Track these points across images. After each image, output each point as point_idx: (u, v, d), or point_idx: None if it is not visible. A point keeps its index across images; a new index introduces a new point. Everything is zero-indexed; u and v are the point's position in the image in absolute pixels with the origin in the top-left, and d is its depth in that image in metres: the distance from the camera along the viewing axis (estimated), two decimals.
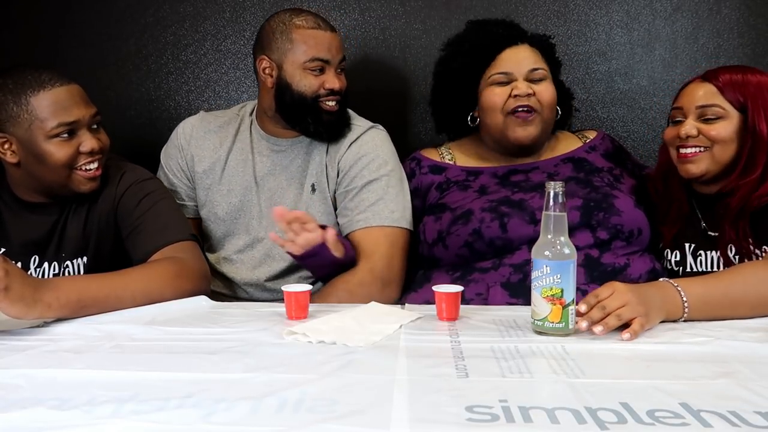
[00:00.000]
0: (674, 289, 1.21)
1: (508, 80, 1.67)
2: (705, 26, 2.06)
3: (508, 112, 1.66)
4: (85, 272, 1.55)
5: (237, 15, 2.17)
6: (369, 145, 1.73)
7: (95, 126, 1.50)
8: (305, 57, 1.67)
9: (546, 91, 1.67)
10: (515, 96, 1.64)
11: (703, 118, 1.49)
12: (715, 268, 1.50)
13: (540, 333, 1.16)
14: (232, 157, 1.78)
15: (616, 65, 2.10)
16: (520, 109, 1.65)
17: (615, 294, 1.15)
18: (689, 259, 1.53)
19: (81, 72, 2.09)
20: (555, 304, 1.14)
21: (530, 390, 0.92)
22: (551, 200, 1.16)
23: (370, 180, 1.68)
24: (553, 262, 1.14)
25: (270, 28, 1.72)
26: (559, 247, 1.15)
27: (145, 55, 2.19)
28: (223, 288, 1.75)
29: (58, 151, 1.44)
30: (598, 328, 1.13)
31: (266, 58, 1.71)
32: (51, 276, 1.53)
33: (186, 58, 2.19)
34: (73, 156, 1.46)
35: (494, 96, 1.67)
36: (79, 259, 1.55)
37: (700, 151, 1.48)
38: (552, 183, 1.16)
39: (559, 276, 1.14)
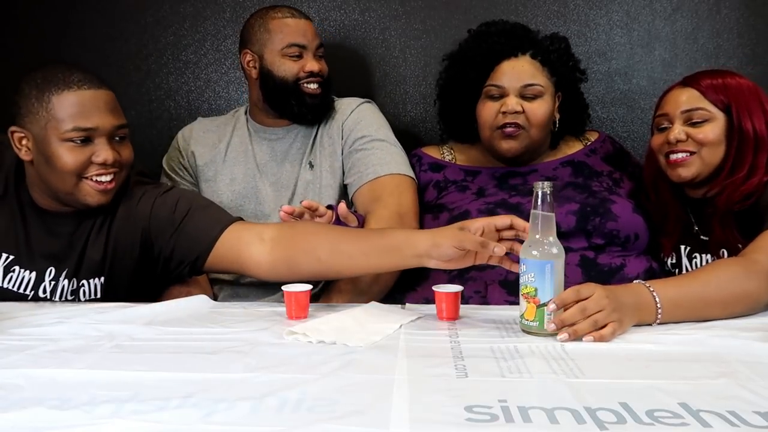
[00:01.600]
0: (648, 292, 1.19)
1: (501, 94, 1.66)
2: (705, 26, 2.06)
3: (496, 127, 1.66)
4: (101, 293, 1.49)
5: (237, 15, 2.17)
6: (367, 112, 1.84)
7: (119, 138, 1.43)
8: (282, 44, 1.76)
9: (537, 109, 1.65)
10: (504, 113, 1.64)
11: (690, 122, 1.49)
12: None
13: (523, 330, 1.18)
14: (231, 149, 1.85)
15: (616, 65, 2.10)
16: (507, 127, 1.64)
17: (595, 296, 1.14)
18: (684, 261, 1.53)
19: None
20: (529, 302, 1.15)
21: (529, 390, 0.92)
22: (539, 200, 1.16)
23: (373, 138, 1.77)
24: (530, 261, 1.15)
25: (249, 24, 1.83)
26: (547, 246, 1.16)
27: (145, 55, 2.19)
28: (229, 276, 1.76)
29: (67, 155, 1.36)
30: (562, 336, 1.11)
31: (248, 51, 1.81)
32: (68, 292, 1.47)
33: (186, 58, 2.19)
34: (84, 164, 1.38)
35: (485, 111, 1.68)
36: (96, 279, 1.49)
37: (689, 155, 1.48)
38: (540, 183, 1.16)
39: (533, 275, 1.15)
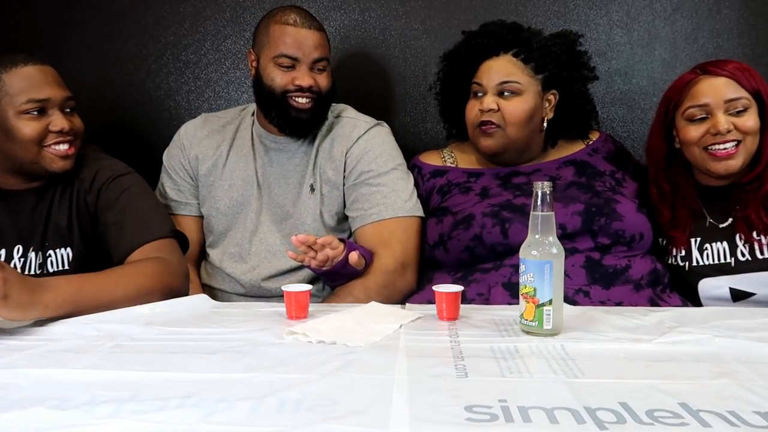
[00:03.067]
0: None
1: (482, 93, 1.68)
2: (705, 26, 2.06)
3: (476, 125, 1.68)
4: (70, 264, 1.55)
5: (237, 15, 2.17)
6: (376, 140, 1.76)
7: (69, 110, 1.52)
8: (275, 52, 1.69)
9: (514, 107, 1.65)
10: (480, 111, 1.66)
11: (731, 112, 1.49)
12: (722, 260, 1.51)
13: (523, 330, 1.18)
14: (233, 152, 1.81)
15: (616, 65, 2.10)
16: (483, 125, 1.66)
17: None
18: (695, 253, 1.54)
19: (81, 72, 2.09)
20: (529, 302, 1.15)
21: (529, 390, 0.92)
22: (539, 200, 1.16)
23: (379, 173, 1.71)
24: (529, 261, 1.15)
25: (260, 22, 1.77)
26: (546, 246, 1.16)
27: (145, 55, 2.19)
28: (223, 284, 1.76)
29: (25, 126, 1.46)
30: None
31: (252, 50, 1.77)
32: (36, 266, 1.54)
33: (186, 58, 2.19)
34: (42, 134, 1.47)
35: (468, 109, 1.71)
36: (63, 250, 1.55)
37: (735, 147, 1.49)
38: (539, 183, 1.16)
39: (532, 275, 1.15)
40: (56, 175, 1.52)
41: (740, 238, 1.48)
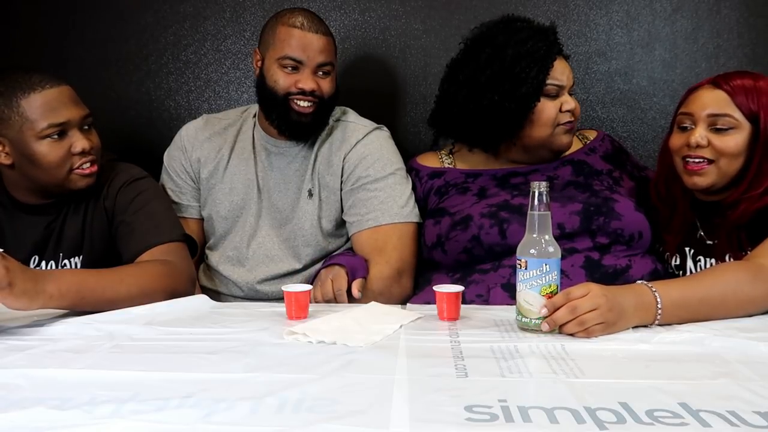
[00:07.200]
0: (650, 292, 1.19)
1: (557, 93, 1.65)
2: (705, 26, 2.06)
3: (558, 124, 1.65)
4: None
5: (237, 15, 2.17)
6: (374, 144, 1.75)
7: (87, 127, 1.52)
8: (280, 53, 1.67)
9: (577, 104, 1.68)
10: (565, 111, 1.64)
11: (714, 128, 1.43)
12: None
13: (519, 327, 1.19)
14: (234, 156, 1.80)
15: (616, 65, 2.10)
16: (569, 124, 1.65)
17: (589, 295, 1.13)
18: (689, 263, 1.52)
19: (82, 72, 2.10)
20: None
21: (529, 390, 0.93)
22: (536, 200, 1.17)
23: (377, 178, 1.71)
24: (552, 260, 1.16)
25: (267, 22, 1.76)
26: (544, 245, 1.17)
27: (145, 55, 2.19)
28: (221, 287, 1.76)
29: (49, 152, 1.47)
30: (544, 327, 1.14)
31: (258, 49, 1.76)
32: None
33: (186, 58, 2.19)
34: (65, 156, 1.48)
35: (548, 110, 1.64)
36: (76, 258, 1.57)
37: (706, 164, 1.43)
38: (536, 183, 1.17)
39: (555, 273, 1.16)
40: (78, 192, 1.54)
41: (729, 258, 1.45)
